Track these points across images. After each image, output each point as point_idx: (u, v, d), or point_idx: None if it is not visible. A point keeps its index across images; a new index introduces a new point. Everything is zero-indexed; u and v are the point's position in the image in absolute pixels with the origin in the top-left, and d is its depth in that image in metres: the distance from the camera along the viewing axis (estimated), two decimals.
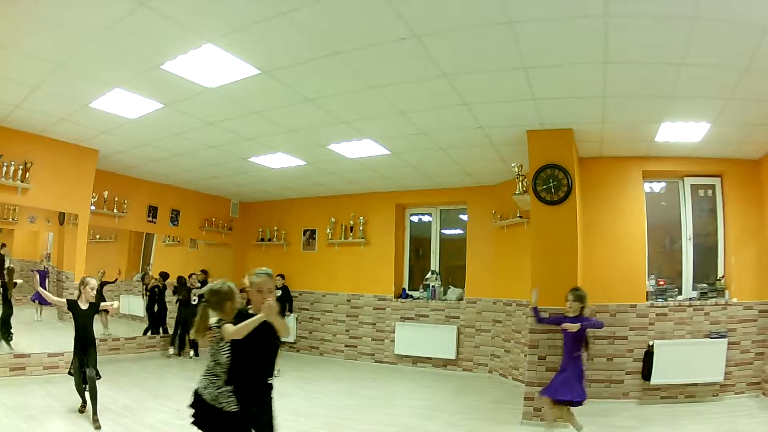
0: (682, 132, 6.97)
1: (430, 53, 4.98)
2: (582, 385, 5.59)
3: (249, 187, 11.72)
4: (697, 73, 5.24)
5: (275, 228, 12.87)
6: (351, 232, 11.76)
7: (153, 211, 11.25)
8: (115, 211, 10.20)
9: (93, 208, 9.21)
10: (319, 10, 4.24)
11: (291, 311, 11.79)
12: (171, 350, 10.74)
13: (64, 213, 8.67)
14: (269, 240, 12.90)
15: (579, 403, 5.53)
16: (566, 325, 5.62)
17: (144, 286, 11.20)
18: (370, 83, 5.72)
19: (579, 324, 5.58)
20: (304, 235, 12.53)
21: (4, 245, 8.42)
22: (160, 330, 11.05)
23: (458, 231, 11.49)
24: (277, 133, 7.55)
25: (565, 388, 5.54)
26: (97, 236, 10.21)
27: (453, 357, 10.14)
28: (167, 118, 7.02)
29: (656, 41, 4.64)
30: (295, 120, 7.01)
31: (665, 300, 7.78)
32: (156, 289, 11.04)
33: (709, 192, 8.33)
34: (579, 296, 5.84)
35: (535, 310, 6.26)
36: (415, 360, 10.48)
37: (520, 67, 5.23)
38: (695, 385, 7.39)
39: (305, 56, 5.11)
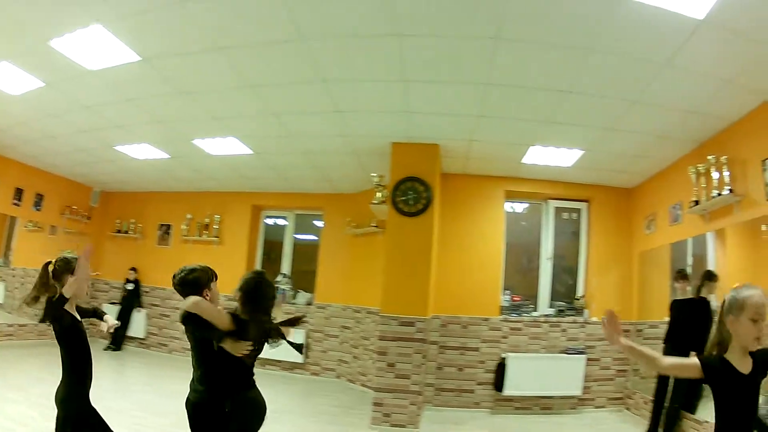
0: (553, 156, 7.31)
1: (314, 57, 5.09)
2: None
3: (112, 176, 11.44)
4: (582, 102, 5.53)
5: (132, 220, 12.60)
6: (206, 229, 11.79)
7: (19, 194, 10.85)
8: None
9: None
10: (215, 1, 4.27)
11: (141, 306, 11.95)
12: None
13: None
14: (125, 232, 12.61)
15: None
16: None
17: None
18: (249, 81, 5.80)
19: None
20: (159, 229, 12.43)
21: None
22: None
23: (312, 237, 11.73)
24: (145, 122, 7.50)
25: None
26: None
27: (301, 361, 10.35)
28: (47, 97, 6.80)
29: (544, 68, 4.89)
30: (166, 111, 7.02)
31: (519, 315, 8.25)
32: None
33: (574, 215, 8.85)
34: None
35: None
36: (263, 362, 10.03)
37: (401, 80, 5.40)
38: (551, 397, 7.84)
39: (191, 48, 5.12)
